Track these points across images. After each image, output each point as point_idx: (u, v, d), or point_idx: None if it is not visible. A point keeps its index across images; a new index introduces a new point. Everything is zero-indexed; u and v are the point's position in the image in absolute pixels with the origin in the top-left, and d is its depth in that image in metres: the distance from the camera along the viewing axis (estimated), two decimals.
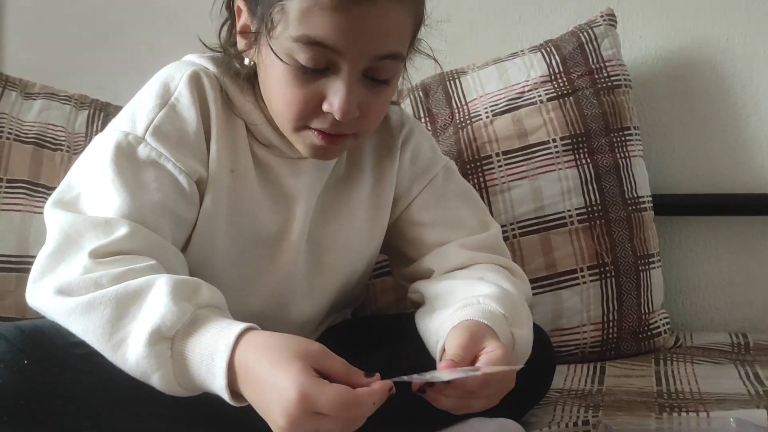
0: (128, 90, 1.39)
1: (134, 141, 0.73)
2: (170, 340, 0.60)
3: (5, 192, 1.06)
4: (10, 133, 1.10)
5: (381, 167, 0.87)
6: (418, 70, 0.86)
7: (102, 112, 1.19)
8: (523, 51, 1.20)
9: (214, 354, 0.59)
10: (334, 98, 0.69)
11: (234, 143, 0.78)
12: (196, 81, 0.76)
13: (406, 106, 1.19)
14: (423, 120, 1.17)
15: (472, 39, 1.37)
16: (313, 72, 0.70)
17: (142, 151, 0.73)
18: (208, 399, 0.62)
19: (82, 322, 0.63)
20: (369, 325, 0.96)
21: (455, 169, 0.93)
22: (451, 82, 1.20)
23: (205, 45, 0.82)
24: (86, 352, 0.63)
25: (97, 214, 0.70)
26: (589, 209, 1.09)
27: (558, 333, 1.07)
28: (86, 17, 1.48)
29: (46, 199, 1.03)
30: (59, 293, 0.64)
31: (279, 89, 0.72)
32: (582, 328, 1.07)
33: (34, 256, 0.99)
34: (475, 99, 1.16)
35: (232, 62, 0.78)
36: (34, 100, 1.16)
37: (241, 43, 0.77)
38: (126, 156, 0.72)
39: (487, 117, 1.14)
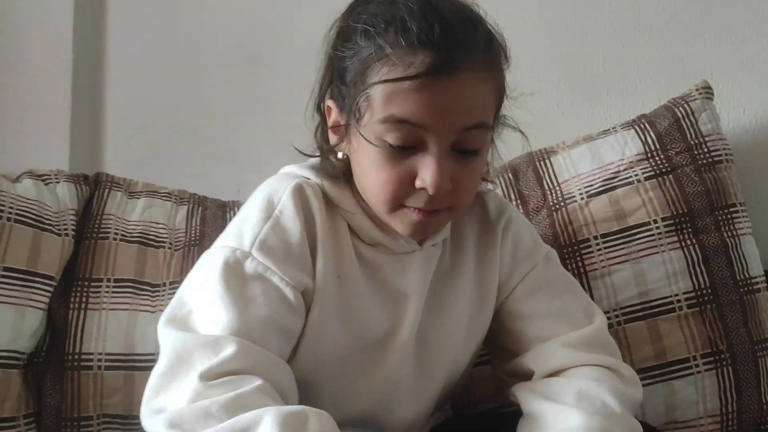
0: (223, 177, 1.46)
1: (241, 256, 0.75)
2: None
3: (113, 291, 1.10)
4: (116, 233, 1.14)
5: (483, 257, 0.87)
6: (506, 143, 0.86)
7: (200, 206, 1.23)
8: (615, 128, 1.18)
9: None
10: (426, 173, 0.71)
11: (339, 248, 0.79)
12: (299, 193, 0.78)
13: (496, 188, 1.18)
14: (515, 202, 1.16)
15: (559, 114, 1.36)
16: (402, 150, 0.72)
17: (249, 266, 0.74)
18: None
19: None
20: (474, 423, 0.93)
21: (556, 257, 0.92)
22: (542, 162, 1.18)
23: (299, 151, 0.84)
24: None
25: (206, 332, 0.71)
26: (698, 293, 1.03)
27: (672, 427, 1.00)
28: (180, 109, 1.56)
29: (150, 296, 1.10)
30: (171, 427, 0.64)
31: (372, 173, 0.74)
32: (698, 421, 1.01)
33: (140, 354, 1.05)
34: (568, 180, 1.14)
35: (328, 161, 0.81)
36: (137, 199, 1.21)
37: (333, 138, 0.79)
38: (233, 271, 0.74)
39: (582, 198, 1.11)
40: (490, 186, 0.92)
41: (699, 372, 1.01)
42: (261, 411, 0.63)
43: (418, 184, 0.72)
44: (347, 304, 0.78)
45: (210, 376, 0.66)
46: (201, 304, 0.74)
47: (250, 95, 1.51)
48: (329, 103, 0.79)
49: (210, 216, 1.21)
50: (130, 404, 1.04)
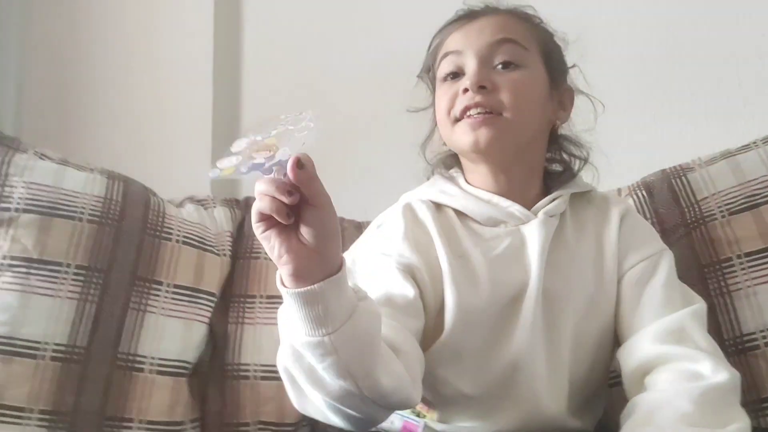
0: (357, 198, 1.53)
1: (352, 262, 0.91)
2: None
3: (265, 307, 1.18)
4: (266, 254, 1.23)
5: (602, 233, 0.94)
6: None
7: None
8: (756, 143, 1.15)
9: None
10: (467, 76, 0.89)
11: (455, 237, 0.90)
12: (407, 208, 0.93)
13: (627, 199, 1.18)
14: (650, 221, 1.15)
15: (691, 129, 1.34)
16: (453, 80, 0.91)
17: (363, 261, 0.89)
18: None
19: None
20: None
21: (672, 259, 0.94)
22: (677, 180, 1.17)
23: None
24: None
25: None
26: None
27: None
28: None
29: None
30: None
31: (438, 107, 0.93)
32: None
33: None
34: (707, 197, 1.12)
35: (440, 157, 1.00)
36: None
37: (437, 128, 0.98)
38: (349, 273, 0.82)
39: (723, 216, 1.09)
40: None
41: None
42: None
43: (460, 89, 0.89)
44: (475, 276, 0.87)
45: None
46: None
47: (379, 120, 1.57)
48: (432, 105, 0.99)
49: (348, 236, 1.28)
50: (283, 412, 1.13)
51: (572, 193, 0.95)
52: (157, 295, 1.12)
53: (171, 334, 1.11)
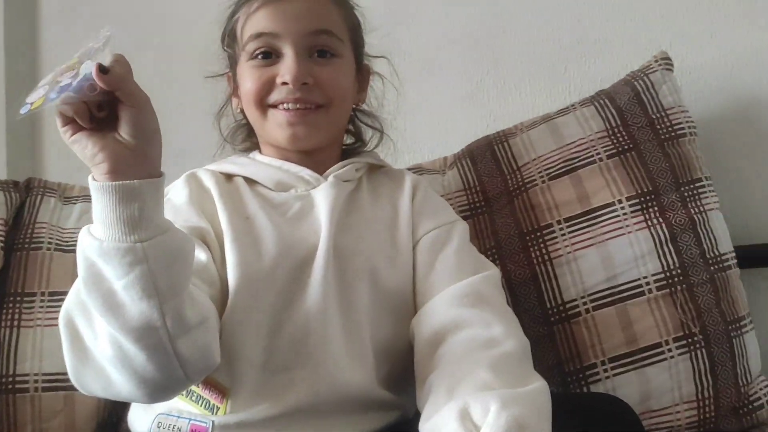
0: (172, 177, 1.39)
1: None
2: None
3: (48, 306, 1.02)
4: (50, 243, 1.07)
5: (396, 201, 0.93)
6: None
7: None
8: (574, 106, 1.13)
9: None
10: (284, 69, 0.86)
11: (242, 200, 0.88)
12: (190, 176, 0.91)
13: (454, 175, 1.13)
14: (473, 189, 1.10)
15: (516, 95, 1.31)
16: (265, 59, 0.87)
17: None
18: None
19: None
20: None
21: (467, 230, 0.93)
22: (500, 146, 1.13)
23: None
24: None
25: None
26: (668, 274, 0.98)
27: (648, 415, 0.96)
28: None
29: None
30: None
31: (247, 86, 0.88)
32: (674, 408, 0.96)
33: None
34: (528, 163, 1.09)
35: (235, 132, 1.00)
36: (73, 204, 1.14)
37: (234, 102, 0.96)
38: None
39: (543, 182, 1.06)
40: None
41: (672, 357, 0.96)
42: None
43: (278, 80, 0.86)
44: (261, 239, 0.83)
45: None
46: None
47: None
48: (228, 74, 0.96)
49: None
50: (73, 426, 0.98)
51: (371, 165, 0.97)
52: None
53: None
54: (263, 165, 0.92)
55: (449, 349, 0.75)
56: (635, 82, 1.10)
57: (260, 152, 0.95)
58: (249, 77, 0.88)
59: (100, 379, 0.68)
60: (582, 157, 1.06)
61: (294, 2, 0.87)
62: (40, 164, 1.55)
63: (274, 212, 0.86)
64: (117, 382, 0.67)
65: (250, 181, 0.90)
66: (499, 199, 1.08)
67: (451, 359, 0.74)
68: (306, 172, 0.90)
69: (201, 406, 0.78)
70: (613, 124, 1.07)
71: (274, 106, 0.88)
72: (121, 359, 0.65)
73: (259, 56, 0.87)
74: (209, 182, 0.89)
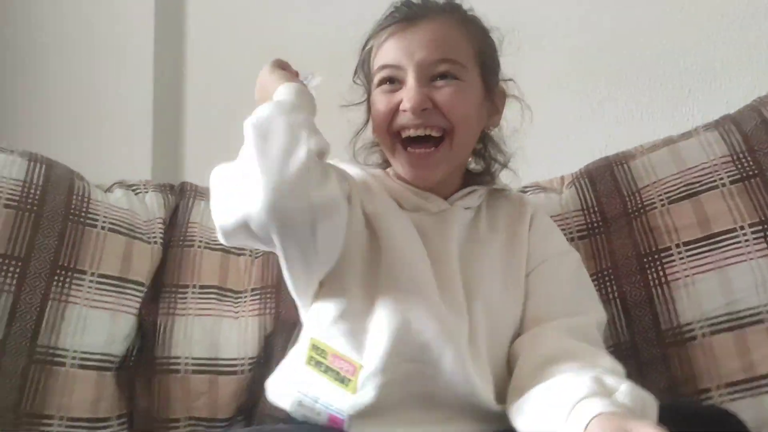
0: None
1: None
2: None
3: (198, 298, 1.14)
4: (201, 241, 1.19)
5: (514, 229, 0.97)
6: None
7: None
8: (697, 130, 1.14)
9: None
10: (406, 96, 0.89)
11: (391, 206, 0.91)
12: (336, 166, 0.91)
13: (572, 194, 1.17)
14: (591, 210, 1.13)
15: (638, 117, 1.33)
16: (390, 85, 0.91)
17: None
18: None
19: None
20: None
21: (580, 260, 0.97)
22: (620, 167, 1.15)
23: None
24: None
25: None
26: None
27: None
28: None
29: (233, 302, 1.14)
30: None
31: (375, 112, 0.93)
32: None
33: (224, 359, 1.09)
34: (648, 186, 1.11)
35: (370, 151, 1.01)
36: None
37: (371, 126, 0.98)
38: None
39: (663, 205, 1.08)
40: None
41: None
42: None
43: (401, 106, 0.89)
44: (395, 237, 0.88)
45: None
46: None
47: (323, 103, 1.54)
48: (365, 101, 0.98)
49: None
50: (215, 407, 1.09)
51: (493, 189, 1.00)
52: (80, 285, 1.06)
53: (95, 326, 1.06)
54: (396, 183, 0.95)
55: (561, 368, 0.78)
56: (762, 109, 1.10)
57: (390, 169, 0.99)
58: (377, 103, 0.93)
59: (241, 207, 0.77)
60: (704, 182, 1.07)
61: (418, 32, 0.90)
62: (181, 165, 1.71)
63: (407, 227, 0.90)
64: (252, 207, 0.75)
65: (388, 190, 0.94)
66: (617, 221, 1.11)
67: (566, 369, 0.78)
68: (434, 199, 0.94)
69: (333, 378, 0.83)
70: (738, 150, 1.07)
71: (399, 133, 0.91)
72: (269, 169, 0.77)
73: (386, 83, 0.92)
74: (359, 174, 0.95)
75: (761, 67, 1.23)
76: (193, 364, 1.10)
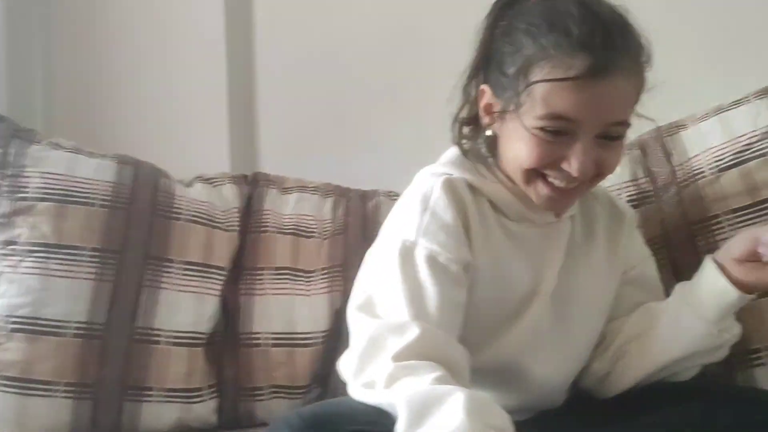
0: (366, 167, 1.57)
1: (410, 245, 0.85)
2: None
3: (274, 278, 1.25)
4: (274, 227, 1.30)
5: (614, 241, 0.99)
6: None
7: (343, 197, 1.34)
8: (748, 97, 1.14)
9: None
10: (574, 160, 0.82)
11: (488, 226, 0.89)
12: (449, 185, 0.87)
13: (624, 165, 1.19)
14: (642, 180, 1.16)
15: (692, 84, 1.32)
16: (555, 136, 0.82)
17: (421, 253, 0.84)
18: None
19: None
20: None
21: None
22: (670, 137, 1.18)
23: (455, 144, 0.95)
24: None
25: (393, 319, 0.81)
26: None
27: None
28: (328, 105, 1.68)
29: (305, 281, 1.24)
30: (366, 387, 0.77)
31: (524, 152, 0.84)
32: None
33: (300, 333, 1.20)
34: (698, 155, 1.13)
35: (472, 141, 0.93)
36: (290, 194, 1.35)
37: (485, 119, 0.90)
38: (407, 260, 0.84)
39: (712, 173, 1.10)
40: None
41: None
42: (454, 387, 0.71)
43: (564, 167, 0.83)
44: (498, 275, 0.89)
45: (400, 358, 0.76)
46: (385, 293, 0.84)
47: (390, 91, 1.60)
48: (484, 87, 0.89)
49: (353, 206, 1.33)
50: (294, 376, 1.20)
51: None
52: (169, 272, 1.19)
53: (184, 308, 1.18)
54: (503, 188, 0.90)
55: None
56: None
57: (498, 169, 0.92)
58: (532, 148, 0.83)
59: None
60: (753, 150, 1.08)
61: (609, 90, 0.80)
62: (256, 155, 1.81)
63: (514, 247, 0.90)
64: None
65: (493, 204, 0.91)
66: (667, 190, 1.14)
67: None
68: (543, 212, 0.91)
69: None
70: None
71: (543, 175, 0.85)
72: None
73: (550, 132, 0.82)
74: (466, 197, 0.87)
75: None
76: (273, 338, 1.21)
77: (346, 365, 0.82)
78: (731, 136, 1.11)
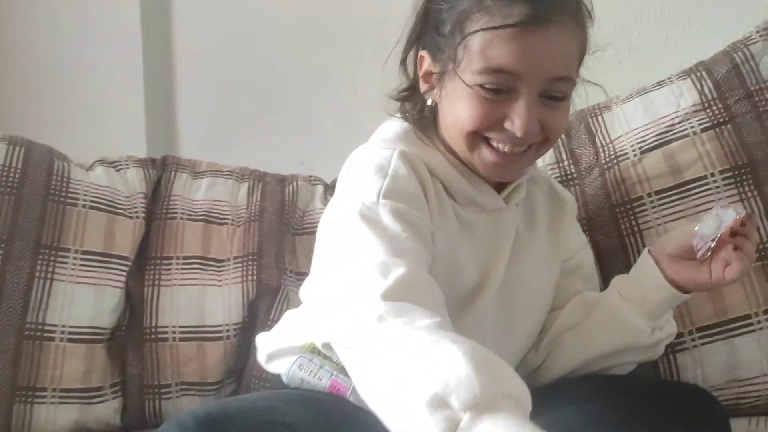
0: (289, 150, 1.51)
1: (372, 206, 0.75)
2: (457, 414, 0.52)
3: (182, 268, 1.17)
4: (183, 213, 1.21)
5: (555, 230, 0.95)
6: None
7: (260, 182, 1.27)
8: (670, 78, 1.13)
9: None
10: (516, 117, 0.77)
11: (442, 208, 0.83)
12: (406, 157, 0.81)
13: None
14: (566, 162, 1.14)
15: (617, 66, 1.32)
16: (496, 94, 0.78)
17: (383, 211, 0.74)
18: None
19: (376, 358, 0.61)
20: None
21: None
22: (594, 119, 1.15)
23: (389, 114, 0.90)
24: None
25: (373, 260, 0.68)
26: (760, 247, 0.99)
27: (735, 384, 0.98)
28: (248, 88, 1.61)
29: (216, 271, 1.16)
30: (379, 320, 0.62)
31: (464, 112, 0.79)
32: (763, 378, 0.98)
33: (210, 326, 1.13)
34: (621, 136, 1.11)
35: (414, 112, 0.88)
36: (201, 178, 1.27)
37: (423, 87, 0.85)
38: (371, 219, 0.73)
39: (635, 155, 1.08)
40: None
41: (762, 329, 0.97)
42: (456, 337, 0.58)
43: (507, 125, 0.78)
44: (448, 261, 0.81)
45: (388, 297, 0.63)
46: (351, 253, 0.72)
47: (311, 75, 1.54)
48: (422, 53, 0.85)
49: (269, 191, 1.26)
50: (204, 371, 1.12)
51: None
52: (65, 263, 1.09)
53: (81, 301, 1.09)
54: (454, 173, 0.84)
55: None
56: (734, 54, 1.09)
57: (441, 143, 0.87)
58: (473, 106, 0.79)
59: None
60: (675, 131, 1.07)
61: (550, 40, 0.76)
62: (175, 140, 1.72)
63: (465, 235, 0.84)
64: None
65: (444, 186, 0.84)
66: (590, 173, 1.11)
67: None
68: (489, 193, 0.86)
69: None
70: (709, 98, 1.07)
71: (486, 139, 0.81)
72: None
73: (491, 91, 0.78)
74: (423, 171, 0.82)
75: (737, 14, 1.21)
76: (181, 332, 1.13)
77: (325, 324, 0.70)
78: (654, 117, 1.10)
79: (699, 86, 1.08)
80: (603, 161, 1.11)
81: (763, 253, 0.99)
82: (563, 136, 1.16)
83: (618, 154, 1.10)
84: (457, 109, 0.80)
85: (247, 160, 1.34)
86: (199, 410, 0.68)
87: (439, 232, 0.80)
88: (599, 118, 1.15)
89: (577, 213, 1.00)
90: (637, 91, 1.15)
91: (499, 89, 0.77)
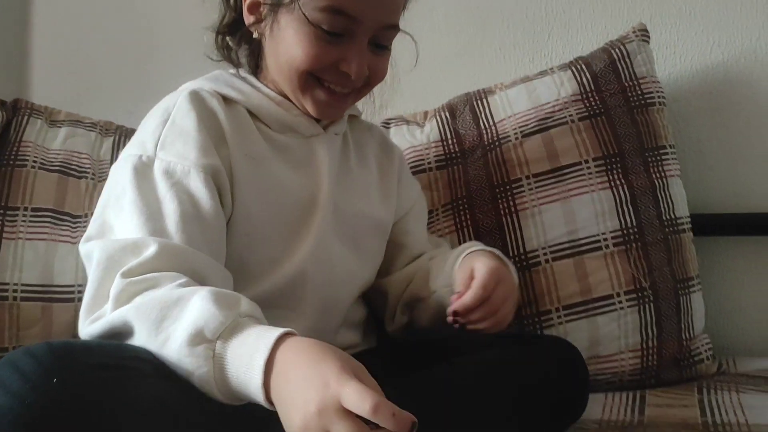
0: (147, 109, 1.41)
1: (147, 161, 0.78)
2: (212, 343, 0.61)
3: (30, 221, 1.05)
4: (35, 162, 1.09)
5: (386, 170, 0.98)
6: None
7: (127, 139, 1.17)
8: (552, 69, 1.17)
9: (254, 354, 0.59)
10: (353, 61, 0.80)
11: (246, 134, 0.84)
12: (194, 96, 0.82)
13: (432, 126, 1.17)
14: (450, 141, 1.15)
15: (501, 58, 1.35)
16: (332, 36, 0.79)
17: (158, 167, 0.77)
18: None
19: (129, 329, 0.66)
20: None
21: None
22: (479, 102, 1.17)
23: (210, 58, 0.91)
24: (116, 374, 0.60)
25: (127, 239, 0.72)
26: (625, 232, 1.04)
27: (595, 360, 1.02)
28: (113, 43, 1.49)
29: (71, 227, 1.05)
30: (94, 321, 0.68)
31: (299, 49, 0.80)
32: (620, 356, 1.03)
33: (60, 285, 1.02)
34: (504, 120, 1.13)
35: (235, 48, 0.89)
36: (59, 127, 1.15)
37: (249, 18, 0.85)
38: (143, 176, 0.76)
39: (517, 138, 1.11)
40: None
41: (622, 309, 1.03)
42: (197, 287, 0.66)
43: (343, 68, 0.81)
44: (266, 181, 0.83)
45: (132, 274, 0.68)
46: (117, 214, 0.76)
47: (179, 29, 1.45)
48: None
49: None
50: (50, 336, 1.01)
51: (351, 115, 0.97)
52: None
53: None
54: (266, 99, 0.86)
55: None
56: (612, 50, 1.15)
57: (258, 79, 0.89)
58: (309, 44, 0.79)
59: None
60: (555, 118, 1.11)
61: None
62: (26, 87, 1.56)
63: (278, 155, 0.85)
64: None
65: (251, 114, 0.86)
66: (473, 152, 1.13)
67: None
68: (305, 118, 0.87)
69: None
70: (587, 89, 1.12)
71: (318, 79, 0.83)
72: None
73: (327, 32, 0.79)
74: (215, 106, 0.83)
75: (615, 16, 1.27)
76: (24, 291, 1.01)
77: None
78: (536, 103, 1.13)
79: (578, 78, 1.13)
80: (486, 142, 1.12)
81: (625, 239, 1.04)
82: (448, 115, 1.17)
83: (501, 136, 1.12)
84: (292, 47, 0.81)
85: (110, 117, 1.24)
86: (55, 341, 0.62)
87: (240, 155, 0.81)
88: (484, 101, 1.17)
89: (404, 161, 1.04)
90: (521, 78, 1.18)
91: (337, 33, 0.79)
